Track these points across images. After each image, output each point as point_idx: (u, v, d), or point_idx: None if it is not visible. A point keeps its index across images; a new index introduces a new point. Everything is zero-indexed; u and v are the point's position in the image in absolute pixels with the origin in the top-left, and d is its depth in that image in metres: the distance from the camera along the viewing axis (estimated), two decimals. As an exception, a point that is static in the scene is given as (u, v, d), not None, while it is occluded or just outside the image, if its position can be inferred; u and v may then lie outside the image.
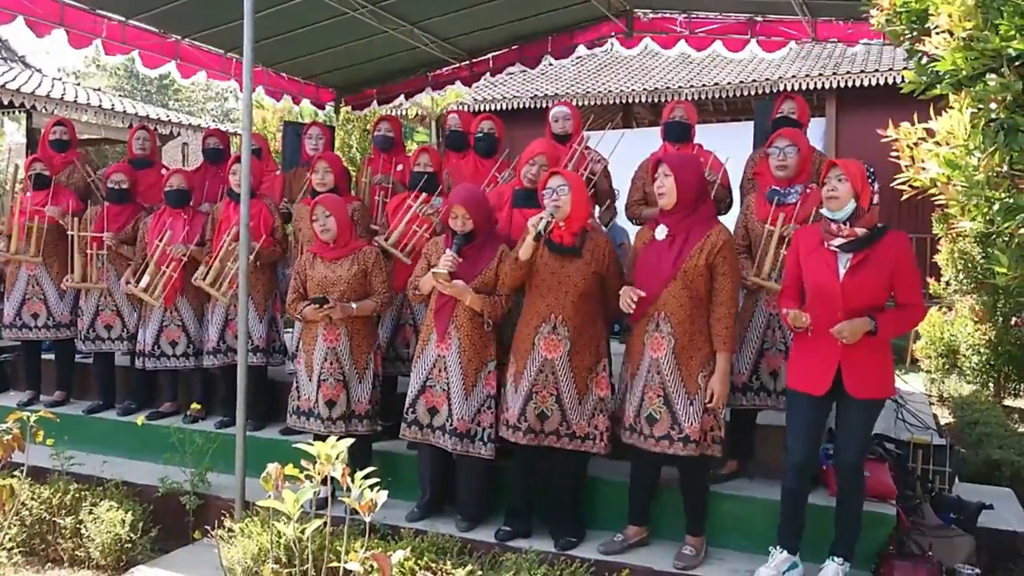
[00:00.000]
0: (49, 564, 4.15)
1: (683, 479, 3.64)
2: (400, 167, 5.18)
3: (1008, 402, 7.98)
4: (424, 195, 4.56)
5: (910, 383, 7.72)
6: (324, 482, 2.83)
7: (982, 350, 7.91)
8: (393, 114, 8.12)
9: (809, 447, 3.33)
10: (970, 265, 7.83)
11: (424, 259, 3.98)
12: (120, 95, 18.09)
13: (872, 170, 3.20)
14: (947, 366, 8.49)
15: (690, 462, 3.48)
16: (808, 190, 3.84)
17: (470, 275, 3.77)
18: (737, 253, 3.72)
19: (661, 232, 3.53)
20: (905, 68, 2.89)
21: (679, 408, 3.43)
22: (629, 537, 3.69)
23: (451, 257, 3.73)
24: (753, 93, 12.33)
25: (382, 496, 2.80)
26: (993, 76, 2.39)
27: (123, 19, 6.04)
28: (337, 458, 2.84)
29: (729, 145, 4.68)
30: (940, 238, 8.20)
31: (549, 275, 3.64)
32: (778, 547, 3.38)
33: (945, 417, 7.14)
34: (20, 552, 4.13)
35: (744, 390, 3.92)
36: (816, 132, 9.01)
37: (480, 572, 3.34)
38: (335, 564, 2.90)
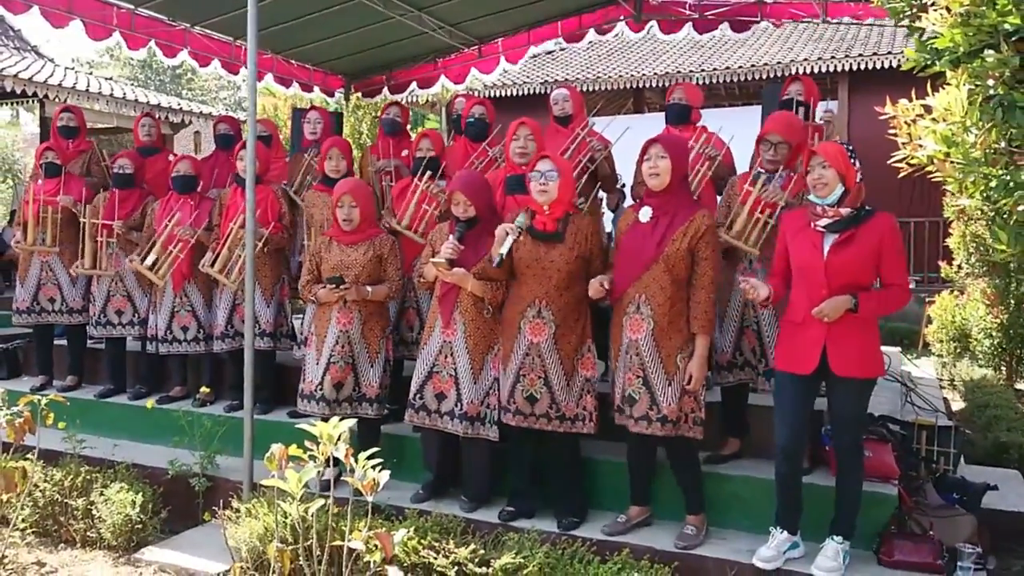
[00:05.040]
0: (62, 545, 4.22)
1: (671, 458, 3.65)
2: (405, 152, 5.22)
3: (1020, 385, 7.90)
4: (429, 177, 4.58)
5: (921, 367, 7.69)
6: (329, 463, 2.87)
7: (994, 334, 7.84)
8: (403, 101, 8.12)
9: (795, 430, 3.32)
10: (982, 248, 7.75)
11: (429, 246, 3.99)
12: (134, 85, 18.15)
13: (851, 148, 3.20)
14: (959, 350, 8.45)
15: (674, 441, 3.49)
16: (792, 174, 3.79)
17: (473, 260, 3.78)
18: (716, 226, 3.67)
19: (645, 214, 3.53)
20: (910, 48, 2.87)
21: (657, 389, 3.44)
22: (632, 517, 3.71)
23: (452, 245, 3.74)
24: (764, 76, 12.23)
25: (384, 476, 2.83)
26: (991, 52, 2.38)
27: (132, 7, 6.06)
28: (339, 438, 2.87)
29: (740, 129, 4.64)
30: (952, 221, 8.14)
31: (533, 261, 3.64)
32: (778, 527, 3.39)
33: (956, 401, 7.10)
34: (33, 533, 4.22)
35: (729, 367, 3.93)
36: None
37: (483, 551, 3.37)
38: (339, 543, 2.93)
